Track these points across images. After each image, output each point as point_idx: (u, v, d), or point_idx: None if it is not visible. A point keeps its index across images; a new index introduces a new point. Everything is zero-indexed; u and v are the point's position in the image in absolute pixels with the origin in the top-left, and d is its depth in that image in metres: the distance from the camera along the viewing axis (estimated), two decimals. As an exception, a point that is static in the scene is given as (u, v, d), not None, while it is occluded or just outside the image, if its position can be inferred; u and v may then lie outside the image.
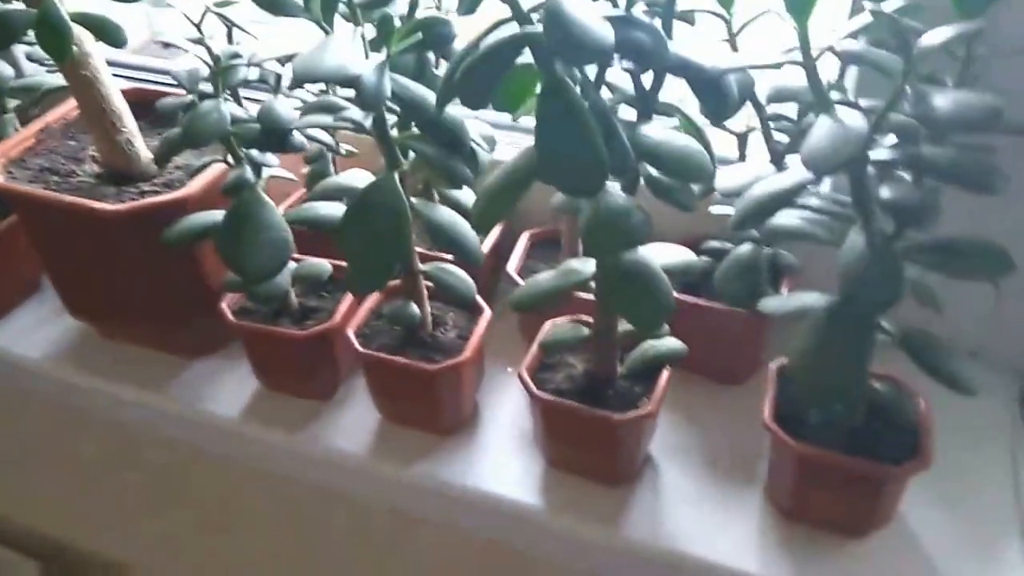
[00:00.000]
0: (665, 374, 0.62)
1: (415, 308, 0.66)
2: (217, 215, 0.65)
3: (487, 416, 0.72)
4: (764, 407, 0.60)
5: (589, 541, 0.63)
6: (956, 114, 0.42)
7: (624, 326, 0.62)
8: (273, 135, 0.60)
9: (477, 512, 0.67)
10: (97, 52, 0.69)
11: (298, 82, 0.46)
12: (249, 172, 0.62)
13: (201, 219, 0.66)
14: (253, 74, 0.65)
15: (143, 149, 0.74)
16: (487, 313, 0.69)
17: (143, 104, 0.77)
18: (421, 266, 0.66)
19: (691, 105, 0.51)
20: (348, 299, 0.71)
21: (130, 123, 0.72)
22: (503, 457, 0.68)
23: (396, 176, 0.57)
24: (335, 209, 0.66)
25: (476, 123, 0.62)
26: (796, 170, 0.50)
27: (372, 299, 0.71)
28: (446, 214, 0.61)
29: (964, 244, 0.50)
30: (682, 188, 0.51)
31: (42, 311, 0.85)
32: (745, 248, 0.66)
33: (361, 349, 0.66)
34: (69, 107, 0.80)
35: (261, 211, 0.61)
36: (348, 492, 0.73)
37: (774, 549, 0.61)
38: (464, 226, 0.60)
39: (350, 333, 0.67)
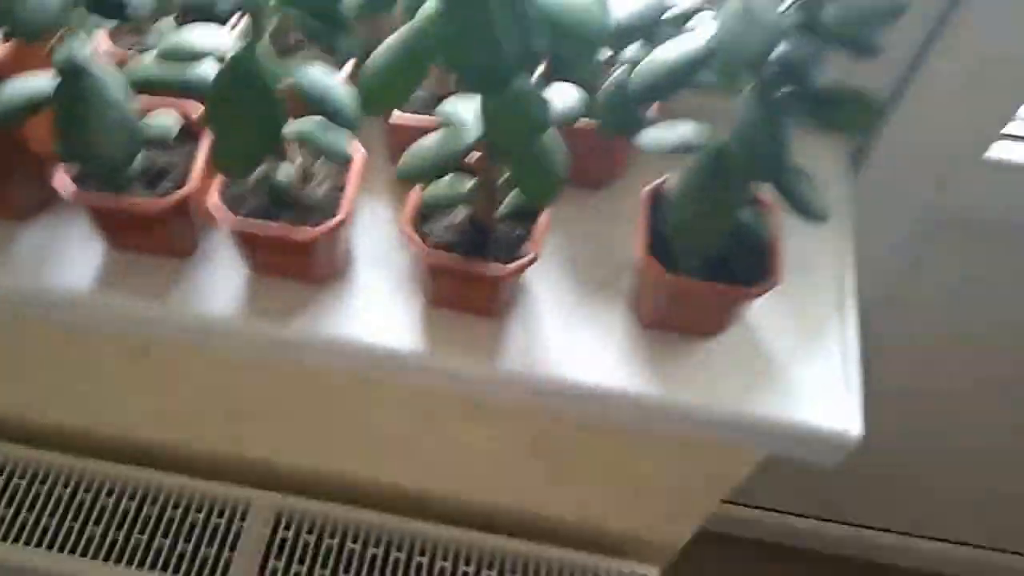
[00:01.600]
0: (545, 215, 0.64)
1: (285, 171, 0.63)
2: (43, 83, 0.57)
3: (362, 261, 0.72)
4: (637, 236, 0.64)
5: (469, 374, 0.68)
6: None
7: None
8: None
9: (361, 358, 0.69)
10: None
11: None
12: (84, 45, 0.54)
13: (23, 89, 0.57)
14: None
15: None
16: (360, 159, 0.66)
17: None
18: (293, 127, 0.62)
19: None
20: (202, 151, 0.66)
21: None
22: (383, 300, 0.70)
23: (261, 47, 0.52)
24: (179, 71, 0.59)
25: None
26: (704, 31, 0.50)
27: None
28: (317, 77, 0.57)
29: (835, 93, 0.53)
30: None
31: None
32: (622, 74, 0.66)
33: (231, 221, 0.63)
34: None
35: (103, 90, 0.54)
36: (223, 352, 0.73)
37: (639, 359, 0.68)
38: (337, 89, 0.57)
39: (214, 201, 0.64)
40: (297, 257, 0.67)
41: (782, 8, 0.48)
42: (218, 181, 0.65)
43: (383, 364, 0.69)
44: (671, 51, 0.50)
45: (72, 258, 0.71)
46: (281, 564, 0.96)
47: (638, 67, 0.51)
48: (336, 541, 0.98)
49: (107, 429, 1.00)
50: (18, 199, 0.71)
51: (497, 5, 0.41)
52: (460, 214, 0.66)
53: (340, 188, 0.66)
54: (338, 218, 0.64)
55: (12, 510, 0.97)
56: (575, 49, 0.47)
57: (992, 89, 0.73)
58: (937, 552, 1.45)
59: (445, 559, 0.97)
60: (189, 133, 0.68)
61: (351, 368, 0.71)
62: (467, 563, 0.97)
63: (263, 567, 0.96)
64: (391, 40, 0.48)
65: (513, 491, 0.97)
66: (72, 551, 0.95)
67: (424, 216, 0.66)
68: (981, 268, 0.93)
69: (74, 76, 0.54)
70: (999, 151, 0.79)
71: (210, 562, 0.96)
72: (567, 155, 0.54)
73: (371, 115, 0.52)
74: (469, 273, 0.62)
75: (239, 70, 0.51)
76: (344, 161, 0.64)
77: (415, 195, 0.65)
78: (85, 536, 0.96)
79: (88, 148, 0.54)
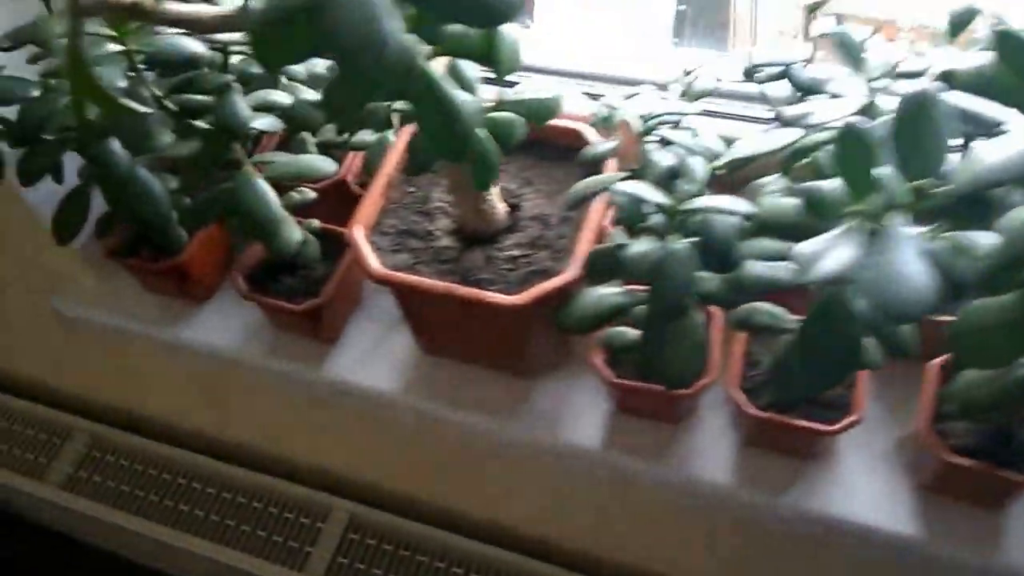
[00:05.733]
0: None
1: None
2: (617, 297, 0.67)
3: (846, 439, 0.76)
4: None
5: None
6: None
7: None
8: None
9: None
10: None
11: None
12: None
13: (601, 302, 0.67)
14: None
15: (499, 203, 0.74)
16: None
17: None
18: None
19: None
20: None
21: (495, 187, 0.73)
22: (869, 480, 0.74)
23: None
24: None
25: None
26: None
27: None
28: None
29: None
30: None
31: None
32: None
33: (751, 411, 0.70)
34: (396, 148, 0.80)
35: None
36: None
37: None
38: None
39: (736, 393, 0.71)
40: (808, 443, 0.72)
41: None
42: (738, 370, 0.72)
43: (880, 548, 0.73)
44: None
45: (581, 416, 0.81)
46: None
47: None
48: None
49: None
50: (538, 363, 0.82)
51: None
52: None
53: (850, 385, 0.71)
54: (852, 418, 0.68)
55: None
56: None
57: None
58: None
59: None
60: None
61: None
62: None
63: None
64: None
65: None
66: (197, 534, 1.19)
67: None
68: None
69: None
70: None
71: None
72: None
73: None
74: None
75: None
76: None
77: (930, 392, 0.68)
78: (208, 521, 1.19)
79: (667, 365, 0.63)
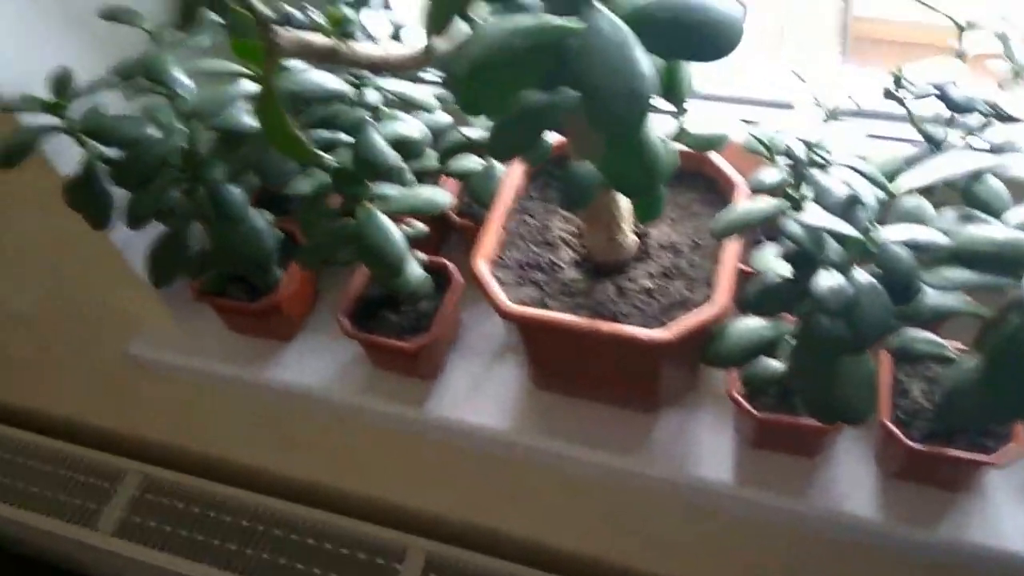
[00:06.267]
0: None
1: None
2: (768, 330, 0.64)
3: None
4: None
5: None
6: None
7: None
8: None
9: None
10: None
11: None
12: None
13: (752, 335, 0.65)
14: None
15: (630, 231, 0.71)
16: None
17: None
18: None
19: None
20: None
21: (628, 215, 0.69)
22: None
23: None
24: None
25: None
26: None
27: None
28: None
29: None
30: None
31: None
32: None
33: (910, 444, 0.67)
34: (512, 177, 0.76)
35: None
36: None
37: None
38: None
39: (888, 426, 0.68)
40: (963, 474, 0.69)
41: None
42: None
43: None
44: None
45: (709, 450, 0.78)
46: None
47: None
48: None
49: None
50: (663, 397, 0.79)
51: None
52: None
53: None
54: (1016, 448, 0.66)
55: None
56: None
57: None
58: None
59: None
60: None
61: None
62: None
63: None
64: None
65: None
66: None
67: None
68: None
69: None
70: None
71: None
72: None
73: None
74: None
75: None
76: None
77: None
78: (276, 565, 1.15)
79: (833, 407, 0.60)
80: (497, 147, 0.51)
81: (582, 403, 0.80)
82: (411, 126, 0.65)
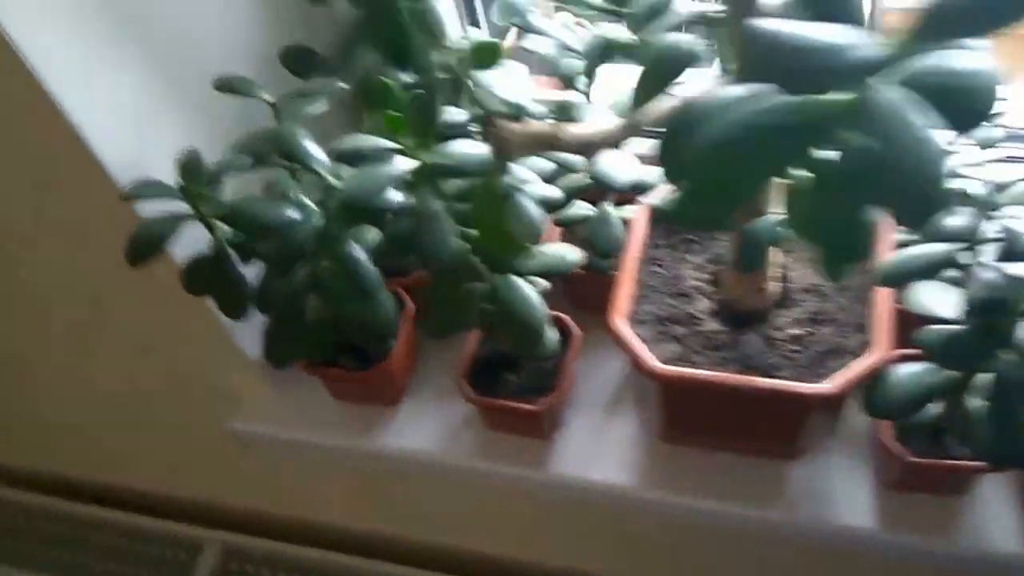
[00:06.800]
0: None
1: None
2: (935, 376, 0.62)
3: None
4: None
5: None
6: None
7: None
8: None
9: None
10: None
11: None
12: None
13: (920, 383, 0.62)
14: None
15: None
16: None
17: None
18: None
19: None
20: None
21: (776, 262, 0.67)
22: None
23: None
24: None
25: None
26: None
27: None
28: None
29: None
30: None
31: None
32: None
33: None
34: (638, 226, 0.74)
35: None
36: None
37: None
38: None
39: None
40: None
41: None
42: None
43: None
44: None
45: (847, 495, 0.75)
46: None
47: None
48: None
49: None
50: (803, 445, 0.77)
51: None
52: None
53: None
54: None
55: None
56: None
57: None
58: None
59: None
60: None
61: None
62: None
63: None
64: None
65: None
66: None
67: None
68: None
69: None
70: None
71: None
72: None
73: None
74: None
75: None
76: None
77: None
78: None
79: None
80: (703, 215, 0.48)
81: (708, 454, 0.77)
82: (553, 188, 0.63)
